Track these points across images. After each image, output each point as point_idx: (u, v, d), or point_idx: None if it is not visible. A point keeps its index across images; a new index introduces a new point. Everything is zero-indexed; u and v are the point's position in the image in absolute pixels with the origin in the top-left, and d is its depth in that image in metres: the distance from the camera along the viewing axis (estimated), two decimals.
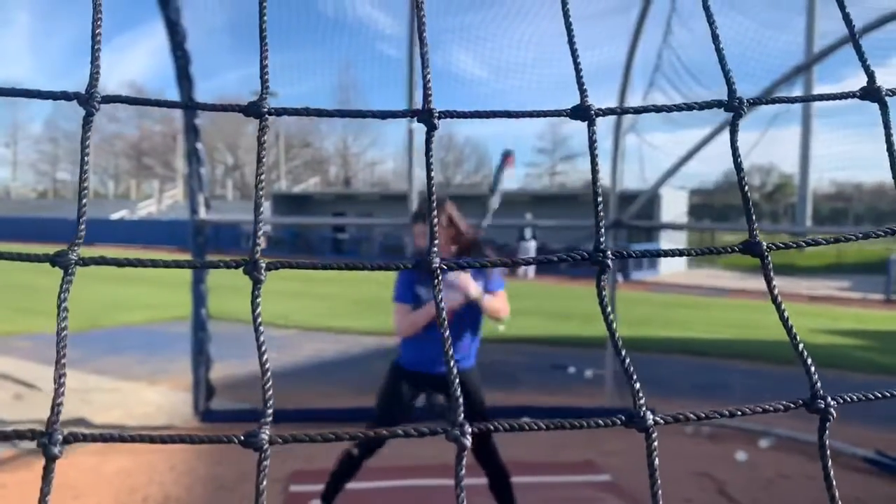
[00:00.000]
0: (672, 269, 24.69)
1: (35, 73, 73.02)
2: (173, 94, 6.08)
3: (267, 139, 0.45)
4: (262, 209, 0.46)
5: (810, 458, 4.98)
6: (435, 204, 2.11)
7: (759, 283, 18.66)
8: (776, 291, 0.47)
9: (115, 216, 40.93)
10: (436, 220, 2.20)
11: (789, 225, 30.32)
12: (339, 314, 11.79)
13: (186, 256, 7.06)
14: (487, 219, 3.52)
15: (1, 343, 8.97)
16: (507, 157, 3.76)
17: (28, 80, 75.31)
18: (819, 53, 5.70)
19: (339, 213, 31.18)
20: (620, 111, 0.49)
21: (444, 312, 0.47)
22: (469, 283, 3.16)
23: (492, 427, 0.41)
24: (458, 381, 0.44)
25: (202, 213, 5.81)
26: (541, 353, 9.10)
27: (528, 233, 24.29)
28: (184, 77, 5.54)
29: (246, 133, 53.00)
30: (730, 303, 16.10)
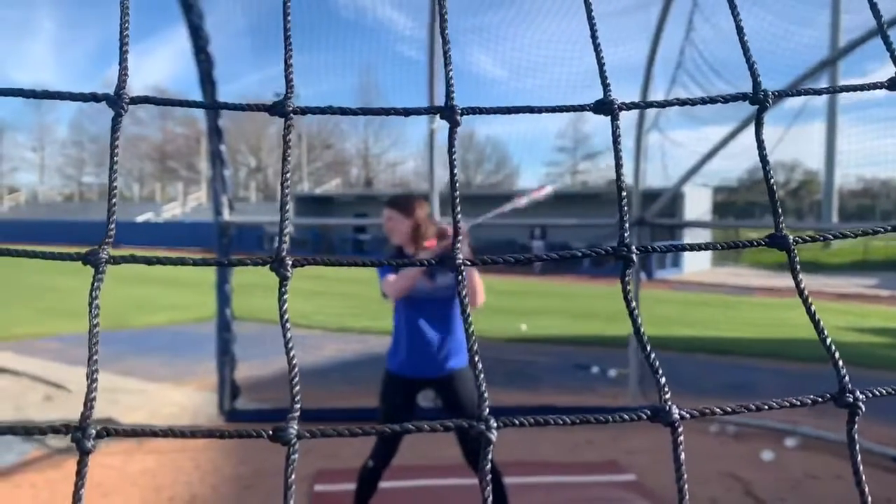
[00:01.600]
0: (696, 267, 24.48)
1: (60, 78, 74.30)
2: (196, 97, 6.14)
3: (291, 138, 0.45)
4: (287, 207, 0.46)
5: (838, 457, 4.92)
6: (404, 200, 2.09)
7: (783, 281, 18.44)
8: (803, 285, 0.47)
9: (141, 219, 41.45)
10: (414, 215, 2.17)
11: (815, 222, 29.93)
12: (361, 314, 11.83)
13: (210, 257, 7.14)
14: (481, 218, 3.49)
15: (28, 345, 9.12)
16: (540, 188, 3.74)
17: (53, 84, 76.48)
18: (844, 48, 5.62)
19: (360, 214, 31.31)
20: (644, 105, 0.49)
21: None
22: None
23: (514, 422, 0.41)
24: (478, 370, 0.44)
25: (226, 215, 5.87)
26: (564, 352, 9.07)
27: (537, 232, 24.20)
28: (207, 81, 5.60)
29: (268, 135, 53.38)
30: (754, 301, 15.93)
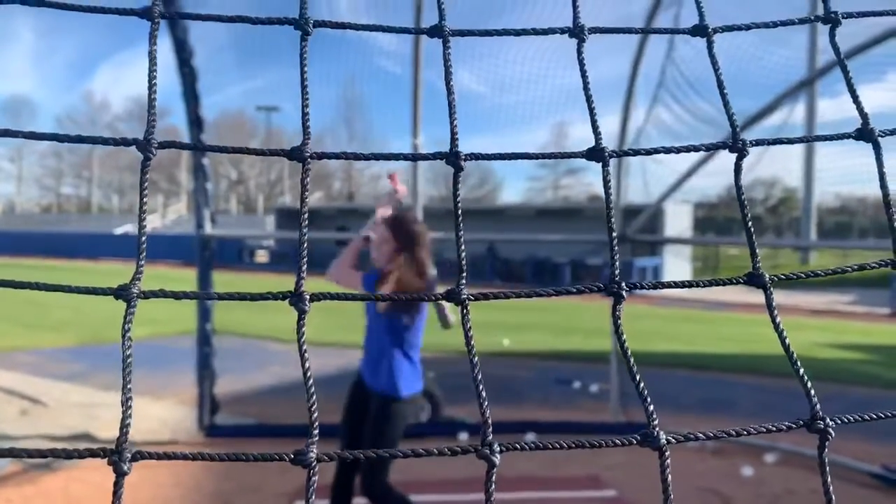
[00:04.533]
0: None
1: (38, 88, 73.54)
2: (179, 109, 6.15)
3: (309, 181, 0.48)
4: (304, 244, 0.49)
5: (816, 472, 4.94)
6: (399, 219, 2.13)
7: (761, 297, 18.63)
8: (778, 320, 0.51)
9: (119, 231, 41.09)
10: (388, 232, 2.20)
11: (794, 239, 30.29)
12: (343, 328, 11.80)
13: (190, 271, 7.10)
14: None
15: (6, 358, 9.01)
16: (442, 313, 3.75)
17: (32, 95, 75.83)
18: (821, 69, 5.75)
19: (342, 228, 31.27)
20: (633, 153, 0.53)
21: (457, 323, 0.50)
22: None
23: (516, 446, 0.44)
24: (482, 395, 0.47)
25: (208, 228, 5.86)
26: (546, 367, 9.11)
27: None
28: (190, 94, 5.60)
29: (251, 147, 53.18)
30: (734, 317, 16.09)
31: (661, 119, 6.99)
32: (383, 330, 3.27)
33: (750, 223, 0.51)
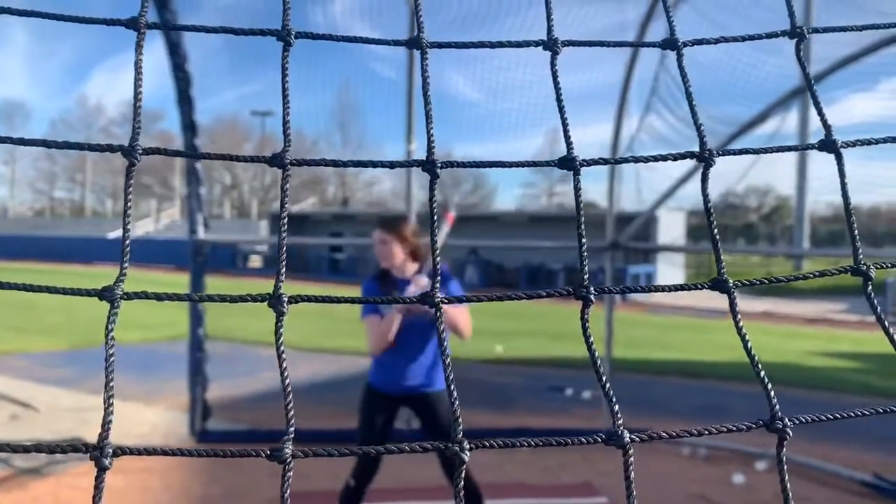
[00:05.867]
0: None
1: (32, 92, 73.37)
2: (172, 113, 6.17)
3: (288, 188, 0.50)
4: (284, 249, 0.50)
5: (806, 480, 5.00)
6: (398, 224, 2.15)
7: (750, 305, 18.72)
8: (741, 324, 0.52)
9: (112, 235, 40.97)
10: (408, 239, 2.22)
11: (787, 247, 30.40)
12: (335, 333, 11.80)
13: (183, 276, 7.10)
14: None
15: None
16: (445, 213, 3.84)
17: (26, 98, 75.61)
18: (813, 78, 5.79)
19: (336, 233, 31.24)
20: (602, 161, 0.54)
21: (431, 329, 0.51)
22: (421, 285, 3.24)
23: (484, 444, 0.45)
24: (453, 396, 0.48)
25: (201, 234, 5.86)
26: (538, 374, 9.12)
27: (471, 257, 24.39)
28: (184, 99, 5.61)
29: (244, 152, 52.91)
30: (726, 324, 16.09)
31: (654, 127, 7.03)
32: (428, 327, 3.28)
33: (716, 231, 0.53)
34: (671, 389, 8.34)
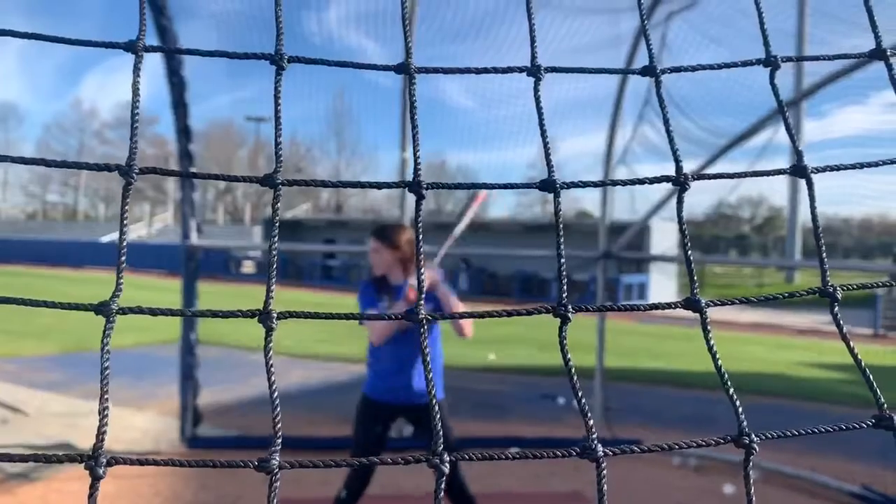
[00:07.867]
0: (660, 299, 24.75)
1: (26, 94, 73.22)
2: (167, 117, 6.18)
3: (280, 206, 0.51)
4: (274, 265, 0.52)
5: (796, 490, 5.03)
6: (391, 232, 2.17)
7: (743, 316, 18.79)
8: (713, 342, 0.54)
9: (105, 239, 40.83)
10: (401, 247, 2.24)
11: (779, 258, 30.52)
12: (327, 340, 11.79)
13: (176, 281, 7.10)
14: (443, 249, 3.57)
15: None
16: (476, 196, 3.83)
17: (20, 100, 75.38)
18: (805, 91, 5.84)
19: (329, 240, 31.21)
20: (582, 185, 0.56)
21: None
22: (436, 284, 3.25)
23: (465, 456, 0.47)
24: (436, 409, 0.50)
25: (194, 239, 5.86)
26: (531, 382, 9.13)
27: (462, 265, 24.50)
28: (179, 103, 5.62)
29: (239, 158, 53.20)
30: (719, 335, 16.14)
31: (647, 136, 7.08)
32: (433, 335, 3.29)
33: (690, 253, 0.55)
34: (663, 398, 8.36)
